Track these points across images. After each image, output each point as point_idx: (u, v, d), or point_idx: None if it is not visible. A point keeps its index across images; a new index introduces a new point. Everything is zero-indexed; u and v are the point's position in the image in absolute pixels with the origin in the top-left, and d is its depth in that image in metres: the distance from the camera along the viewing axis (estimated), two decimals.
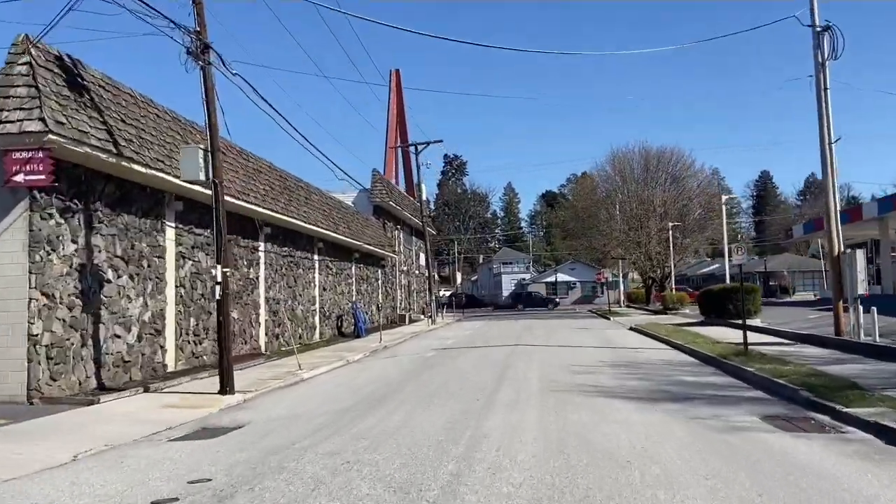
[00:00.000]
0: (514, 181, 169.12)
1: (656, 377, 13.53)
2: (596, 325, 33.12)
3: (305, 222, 23.77)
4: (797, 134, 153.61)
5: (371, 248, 34.29)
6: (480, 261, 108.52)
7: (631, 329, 29.12)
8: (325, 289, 27.72)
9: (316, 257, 26.69)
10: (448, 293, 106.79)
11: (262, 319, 20.69)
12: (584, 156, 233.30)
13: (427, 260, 40.61)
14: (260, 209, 19.27)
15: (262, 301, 20.72)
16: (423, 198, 39.88)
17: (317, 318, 26.53)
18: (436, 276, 52.90)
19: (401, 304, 43.28)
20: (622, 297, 60.54)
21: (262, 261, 20.78)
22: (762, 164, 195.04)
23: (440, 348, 22.47)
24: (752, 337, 16.92)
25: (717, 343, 18.28)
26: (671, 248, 38.71)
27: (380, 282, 38.06)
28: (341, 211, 31.39)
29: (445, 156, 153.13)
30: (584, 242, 48.21)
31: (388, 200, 38.20)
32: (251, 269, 20.07)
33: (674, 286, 39.98)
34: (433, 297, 39.83)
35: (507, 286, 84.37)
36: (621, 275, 55.10)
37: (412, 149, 42.75)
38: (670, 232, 38.41)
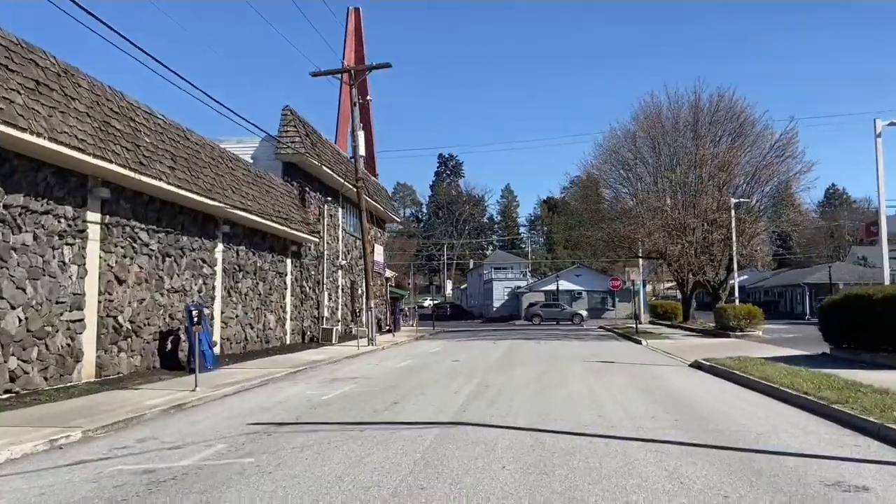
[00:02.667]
0: (512, 184, 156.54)
1: None
2: (626, 356, 19.93)
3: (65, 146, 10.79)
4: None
5: (265, 221, 21.21)
6: (471, 266, 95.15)
7: (695, 367, 15.95)
8: (121, 280, 14.53)
9: (90, 216, 13.55)
10: (434, 302, 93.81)
11: None
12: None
13: (364, 246, 27.32)
14: None
15: None
16: (360, 152, 26.84)
17: (86, 336, 13.32)
18: (387, 274, 39.74)
19: (333, 313, 30.09)
20: (642, 311, 47.31)
21: None
22: None
23: (258, 424, 9.28)
24: None
25: None
26: (733, 239, 25.64)
27: (288, 279, 24.89)
28: (220, 163, 18.45)
29: (440, 155, 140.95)
30: (601, 233, 34.97)
31: (309, 157, 25.13)
32: None
33: (737, 294, 26.78)
34: (370, 307, 26.60)
35: (500, 295, 71.13)
36: (642, 281, 42.08)
37: (346, 78, 29.55)
38: (733, 212, 25.34)
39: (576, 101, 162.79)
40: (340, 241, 31.42)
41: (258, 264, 22.10)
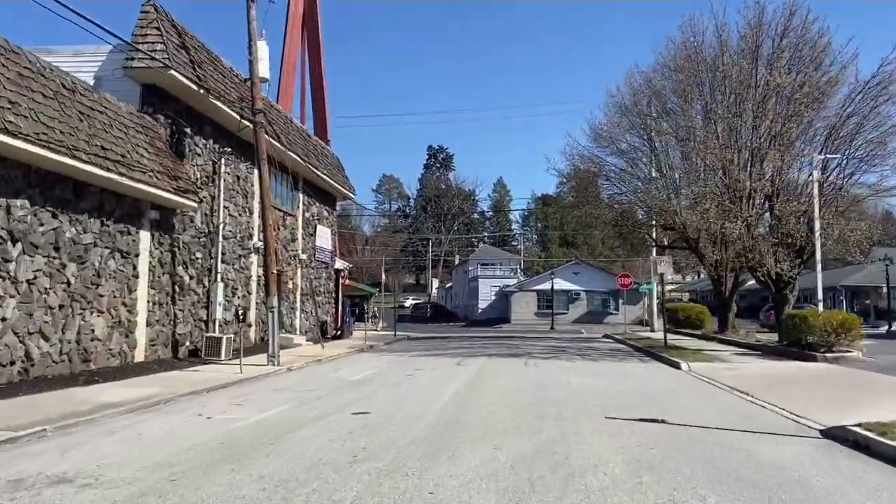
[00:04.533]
0: (505, 177, 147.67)
1: None
2: (675, 400, 11.41)
3: None
4: None
5: (82, 165, 12.62)
6: (456, 262, 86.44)
7: (841, 441, 7.37)
8: None
9: None
10: (415, 302, 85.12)
11: None
12: None
13: (265, 216, 17.90)
14: None
15: None
16: (261, 73, 18.02)
17: None
18: (337, 264, 30.64)
19: (241, 315, 21.38)
20: (655, 315, 38.74)
21: None
22: None
23: None
24: None
25: None
26: (816, 213, 16.91)
27: (143, 262, 16.18)
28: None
29: (429, 147, 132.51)
30: (611, 212, 26.46)
31: (181, 75, 16.23)
32: None
33: (820, 295, 17.92)
34: (272, 306, 17.52)
35: (486, 295, 62.49)
36: (660, 276, 33.49)
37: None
38: (815, 174, 16.62)
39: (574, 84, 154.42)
40: (256, 215, 22.73)
41: (66, 235, 13.40)
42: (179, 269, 17.88)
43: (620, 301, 54.11)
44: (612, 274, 59.88)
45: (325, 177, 28.79)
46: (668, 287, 69.05)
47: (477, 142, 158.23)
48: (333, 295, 31.78)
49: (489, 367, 16.47)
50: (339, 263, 33.07)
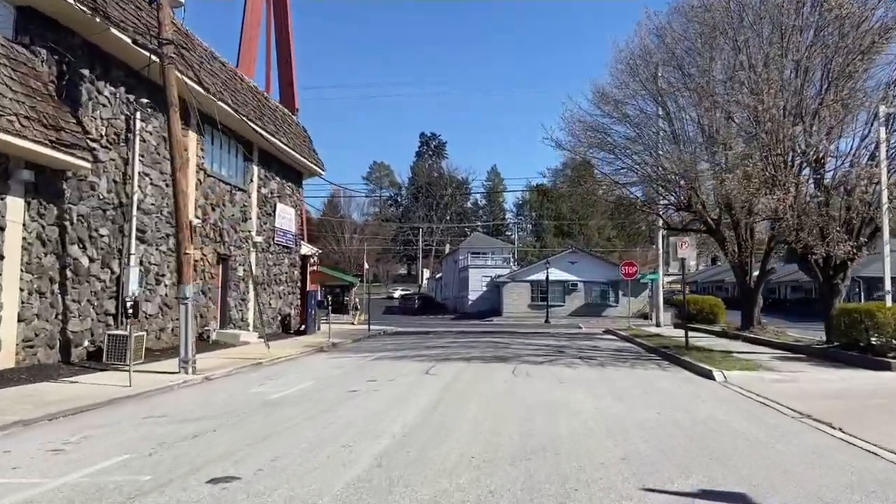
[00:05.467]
0: (499, 166, 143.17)
1: None
2: (733, 443, 7.58)
3: None
4: None
5: None
6: (446, 251, 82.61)
7: None
8: None
9: None
10: (404, 293, 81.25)
11: None
12: None
13: (175, 180, 13.76)
14: None
15: None
16: None
17: None
18: (304, 249, 26.46)
19: (149, 307, 17.51)
20: (661, 308, 35.01)
21: None
22: None
23: None
24: None
25: None
26: (883, 179, 13.20)
27: (14, 235, 12.26)
28: None
29: (422, 134, 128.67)
30: (615, 190, 22.69)
31: None
32: None
33: (889, 285, 14.23)
34: (184, 302, 13.49)
35: (477, 286, 58.65)
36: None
37: None
38: (882, 131, 13.04)
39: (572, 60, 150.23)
40: (191, 186, 18.81)
41: None
42: (74, 248, 13.97)
43: (621, 293, 50.45)
44: (611, 263, 56.16)
45: (287, 148, 24.86)
46: (667, 279, 65.01)
47: (471, 127, 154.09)
48: (299, 284, 27.92)
49: (466, 377, 12.65)
50: (307, 248, 29.17)
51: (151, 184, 16.87)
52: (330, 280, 51.80)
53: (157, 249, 17.16)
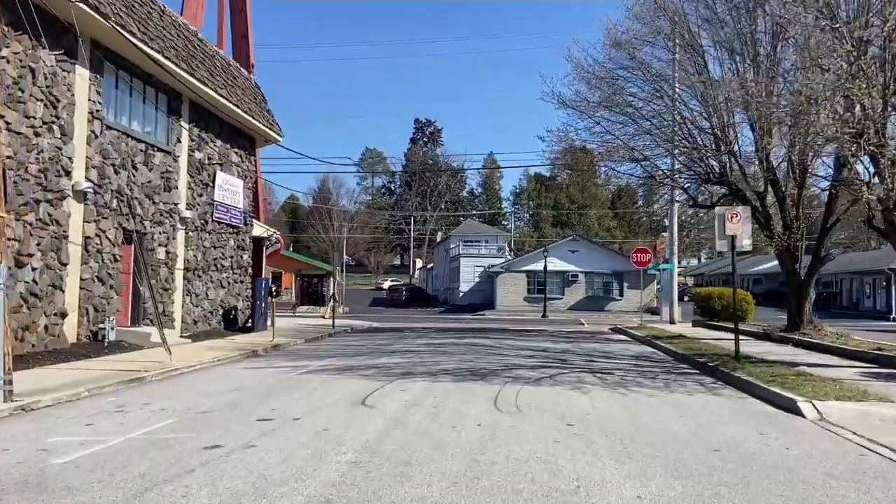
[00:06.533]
0: (496, 153, 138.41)
1: None
2: None
3: None
4: None
5: None
6: (438, 239, 78.01)
7: None
8: None
9: None
10: (392, 284, 76.72)
11: None
12: None
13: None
14: None
15: None
16: None
17: None
18: (255, 230, 21.58)
19: (40, 296, 13.01)
20: (675, 303, 30.61)
21: None
22: None
23: None
24: None
25: None
26: None
27: None
28: None
29: (416, 120, 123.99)
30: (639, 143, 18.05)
31: None
32: None
33: None
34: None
35: (469, 276, 54.22)
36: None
37: None
38: None
39: None
40: (81, 139, 14.27)
41: None
42: None
43: (626, 285, 46.10)
44: (617, 253, 51.80)
45: (231, 105, 20.30)
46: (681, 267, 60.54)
47: (468, 114, 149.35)
48: (250, 271, 23.40)
49: (420, 413, 8.13)
50: (261, 229, 24.61)
51: (9, 130, 12.30)
52: (306, 268, 47.39)
53: (21, 222, 12.63)
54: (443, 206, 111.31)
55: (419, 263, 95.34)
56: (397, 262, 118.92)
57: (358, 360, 13.94)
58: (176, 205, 18.38)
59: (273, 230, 26.01)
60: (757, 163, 17.41)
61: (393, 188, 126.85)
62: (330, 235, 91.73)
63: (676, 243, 30.58)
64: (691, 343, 17.24)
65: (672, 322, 30.35)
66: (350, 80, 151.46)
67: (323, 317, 32.86)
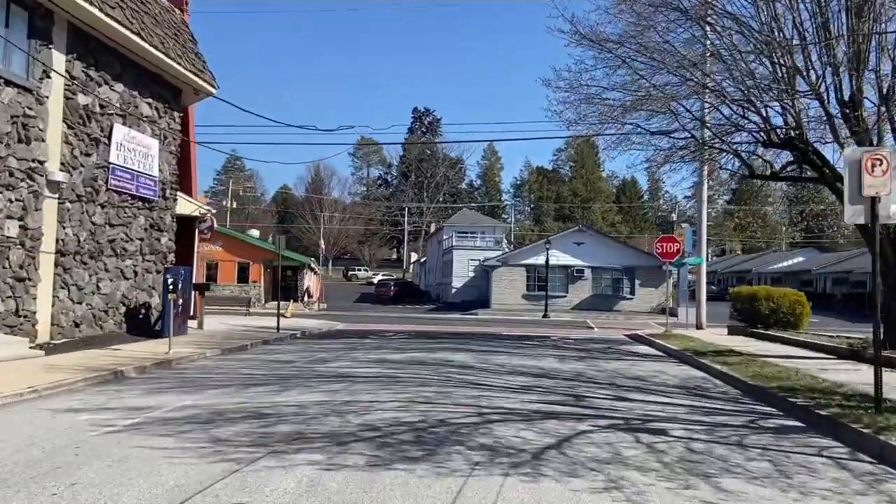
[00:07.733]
0: (496, 144, 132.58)
1: None
2: None
3: None
4: None
5: None
6: (431, 230, 72.89)
7: None
8: None
9: None
10: (382, 278, 71.70)
11: None
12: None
13: None
14: None
15: None
16: None
17: None
18: (180, 207, 16.41)
19: None
20: (702, 305, 25.56)
21: None
22: None
23: None
24: None
25: None
26: None
27: None
28: None
29: (415, 109, 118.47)
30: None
31: None
32: None
33: None
34: None
35: (462, 271, 49.08)
36: (703, 245, 20.38)
37: None
38: None
39: None
40: None
41: None
42: None
43: (638, 282, 40.96)
44: (628, 246, 46.65)
45: (134, 36, 15.14)
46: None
47: (466, 103, 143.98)
48: (171, 258, 18.28)
49: None
50: (191, 206, 19.47)
51: None
52: (274, 259, 42.40)
53: None
54: (441, 198, 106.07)
55: (414, 257, 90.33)
56: (393, 255, 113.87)
57: (248, 395, 8.82)
58: (41, 163, 13.27)
59: (207, 207, 20.86)
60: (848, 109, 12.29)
61: (389, 179, 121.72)
62: (320, 226, 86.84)
63: (705, 232, 25.46)
64: (754, 364, 12.14)
65: (699, 327, 25.31)
66: (350, 72, 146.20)
67: (284, 315, 27.82)
